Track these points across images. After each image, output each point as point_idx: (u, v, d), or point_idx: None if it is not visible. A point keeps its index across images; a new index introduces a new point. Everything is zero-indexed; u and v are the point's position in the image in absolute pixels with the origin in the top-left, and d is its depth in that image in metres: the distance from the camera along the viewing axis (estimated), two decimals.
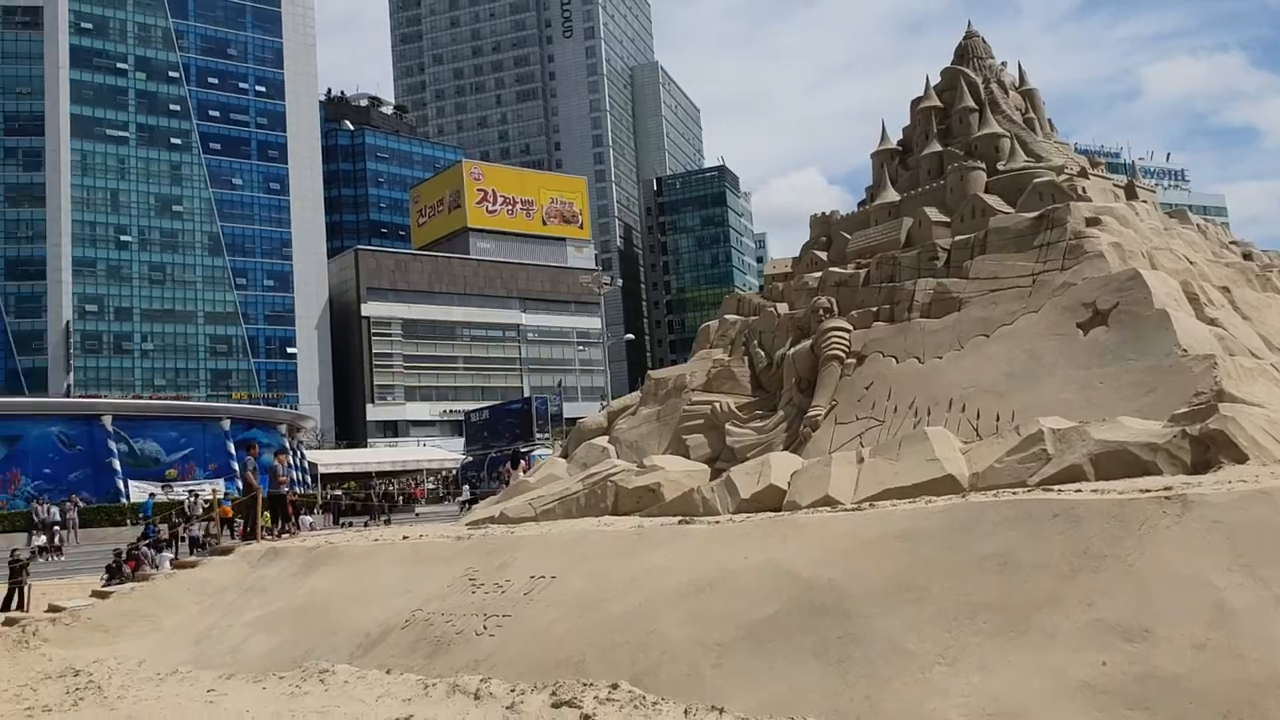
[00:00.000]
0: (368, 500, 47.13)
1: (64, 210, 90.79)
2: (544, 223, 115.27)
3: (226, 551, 17.27)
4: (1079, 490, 8.91)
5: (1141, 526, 7.24)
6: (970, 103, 17.00)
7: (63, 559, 32.29)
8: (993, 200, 15.23)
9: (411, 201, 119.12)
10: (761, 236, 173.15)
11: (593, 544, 11.52)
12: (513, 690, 9.00)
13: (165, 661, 13.29)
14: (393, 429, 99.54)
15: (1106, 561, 7.13)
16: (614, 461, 16.14)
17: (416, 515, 46.64)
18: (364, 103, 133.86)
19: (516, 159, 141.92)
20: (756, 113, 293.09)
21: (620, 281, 64.14)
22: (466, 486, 49.00)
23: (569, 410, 69.94)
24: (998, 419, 12.15)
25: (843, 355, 14.30)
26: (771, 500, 12.30)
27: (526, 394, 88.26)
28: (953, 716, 6.67)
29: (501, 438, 61.15)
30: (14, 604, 20.15)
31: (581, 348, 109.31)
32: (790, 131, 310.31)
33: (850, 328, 14.57)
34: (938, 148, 17.00)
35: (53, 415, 47.74)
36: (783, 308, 16.43)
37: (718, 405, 15.67)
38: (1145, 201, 16.51)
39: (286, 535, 19.02)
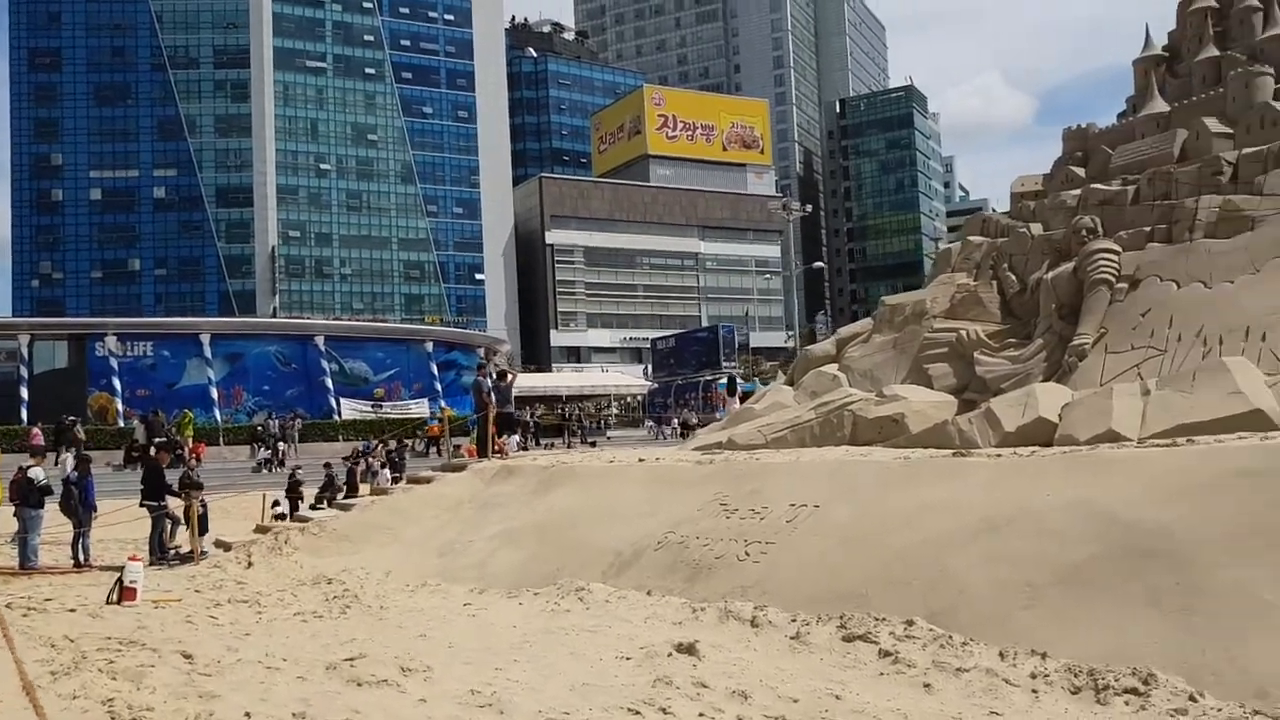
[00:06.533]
0: (562, 422, 48.09)
1: (268, 139, 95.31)
2: (724, 148, 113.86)
3: (459, 469, 17.61)
4: None
5: None
6: (1254, 0, 15.33)
7: (285, 471, 33.97)
8: None
9: (592, 128, 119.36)
10: (949, 160, 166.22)
11: (855, 474, 11.04)
12: (794, 620, 8.67)
13: (412, 573, 13.60)
14: (575, 355, 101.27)
15: None
16: (849, 390, 15.54)
17: (608, 439, 47.33)
18: (546, 29, 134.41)
19: (695, 83, 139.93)
20: (943, 23, 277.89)
21: (809, 208, 62.43)
22: (686, 411, 50.90)
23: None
24: None
25: (1112, 279, 13.18)
26: (1040, 434, 11.50)
27: (705, 323, 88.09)
28: None
29: (687, 365, 61.31)
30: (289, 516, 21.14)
31: (768, 276, 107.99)
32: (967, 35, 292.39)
33: (1118, 249, 13.41)
34: (1214, 52, 15.42)
35: (271, 335, 50.47)
36: (1036, 228, 15.30)
37: (964, 333, 14.80)
38: None
39: (497, 454, 18.73)
